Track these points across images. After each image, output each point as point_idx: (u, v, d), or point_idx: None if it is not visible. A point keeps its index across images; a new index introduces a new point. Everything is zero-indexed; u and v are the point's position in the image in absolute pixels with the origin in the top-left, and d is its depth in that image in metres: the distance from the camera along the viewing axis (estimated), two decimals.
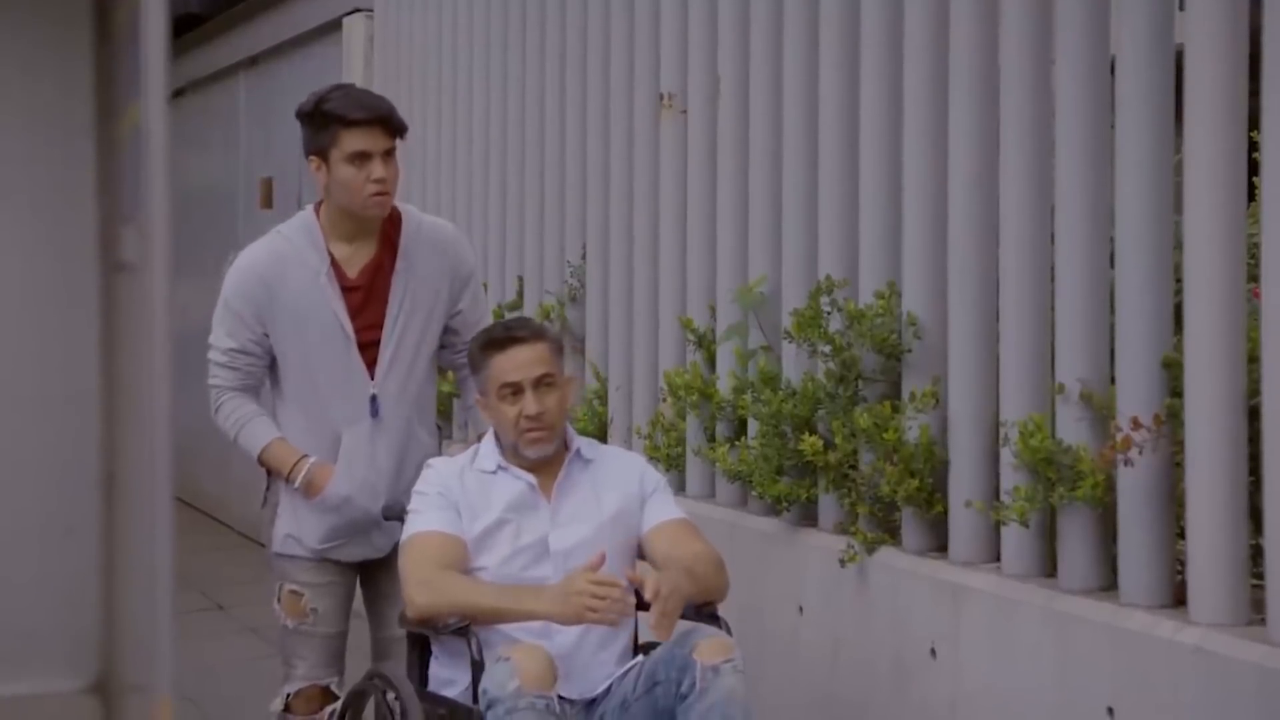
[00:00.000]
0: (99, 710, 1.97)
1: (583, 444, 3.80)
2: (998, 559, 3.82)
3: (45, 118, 1.89)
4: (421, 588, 3.56)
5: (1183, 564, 3.41)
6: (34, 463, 1.94)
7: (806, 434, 4.19)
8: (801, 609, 4.34)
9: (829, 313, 4.24)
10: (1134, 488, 3.47)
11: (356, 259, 3.94)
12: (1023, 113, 3.76)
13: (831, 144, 4.38)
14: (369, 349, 3.94)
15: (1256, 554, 3.31)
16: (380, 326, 3.93)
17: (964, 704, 3.77)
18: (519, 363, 3.67)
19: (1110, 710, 3.36)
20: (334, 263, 3.91)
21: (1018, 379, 3.76)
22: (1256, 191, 3.28)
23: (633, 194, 5.42)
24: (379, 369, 3.93)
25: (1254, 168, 3.32)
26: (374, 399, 3.93)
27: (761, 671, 4.25)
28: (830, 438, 4.19)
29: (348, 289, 3.91)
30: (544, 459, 3.70)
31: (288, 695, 4.06)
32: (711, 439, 4.84)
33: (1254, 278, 3.35)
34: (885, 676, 4.03)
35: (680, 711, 3.42)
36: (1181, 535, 3.43)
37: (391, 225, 3.96)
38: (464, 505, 3.67)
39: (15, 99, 1.90)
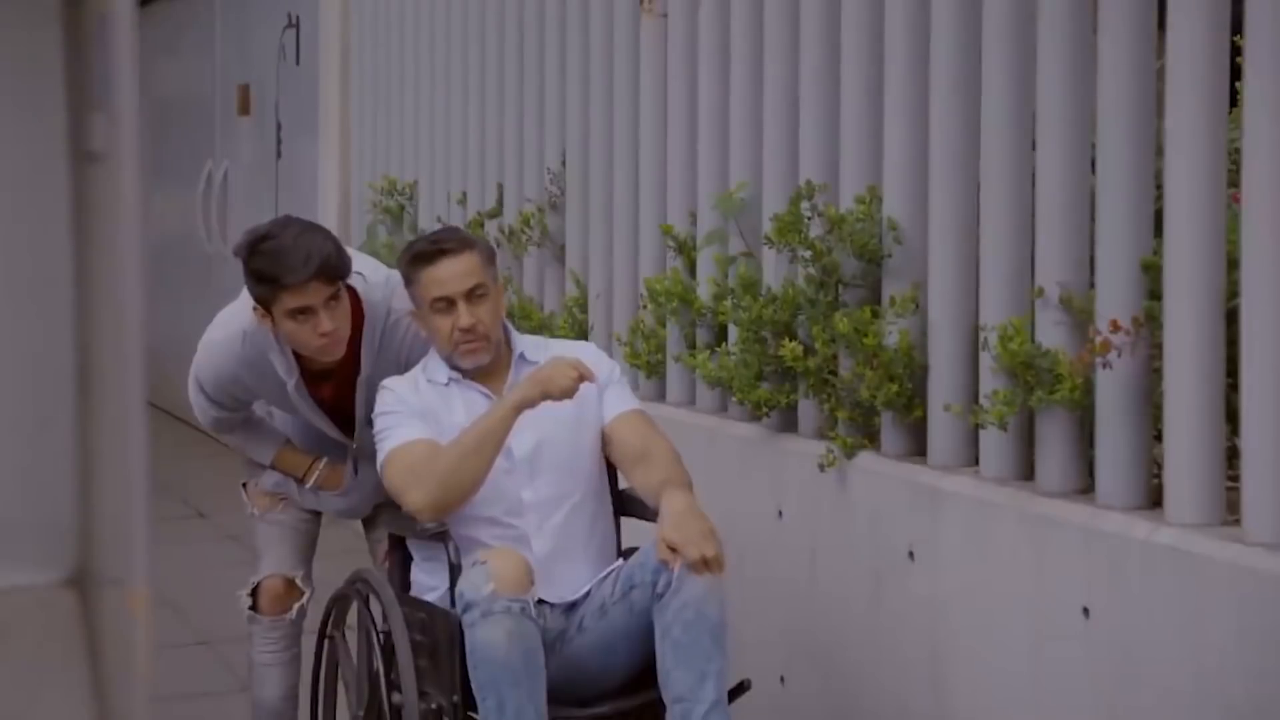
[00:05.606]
0: (75, 603, 1.98)
1: (526, 345, 3.78)
2: (976, 462, 3.84)
3: (10, 3, 1.87)
4: (414, 494, 3.55)
5: (1159, 466, 3.43)
6: (6, 354, 1.93)
7: (786, 340, 4.19)
8: (781, 513, 4.35)
9: (809, 218, 4.22)
10: (1112, 390, 3.47)
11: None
12: (1004, 17, 3.73)
13: (812, 48, 4.34)
14: (345, 423, 4.00)
15: (1233, 455, 3.33)
16: (352, 408, 3.95)
17: (941, 606, 3.80)
18: (449, 275, 3.63)
19: (1085, 610, 3.38)
20: (303, 372, 3.86)
21: (997, 283, 3.76)
22: (1238, 96, 3.27)
23: (612, 99, 5.38)
24: (356, 434, 3.99)
25: (1236, 72, 3.30)
26: (354, 460, 4.05)
27: (740, 575, 4.27)
28: (810, 343, 4.19)
29: (318, 397, 3.93)
30: (483, 368, 3.69)
31: (254, 586, 4.09)
32: (692, 346, 4.83)
33: (1234, 183, 3.34)
34: (863, 579, 4.05)
35: (656, 610, 3.44)
36: (1159, 438, 3.44)
37: (355, 317, 3.82)
38: (428, 413, 3.66)
39: None
